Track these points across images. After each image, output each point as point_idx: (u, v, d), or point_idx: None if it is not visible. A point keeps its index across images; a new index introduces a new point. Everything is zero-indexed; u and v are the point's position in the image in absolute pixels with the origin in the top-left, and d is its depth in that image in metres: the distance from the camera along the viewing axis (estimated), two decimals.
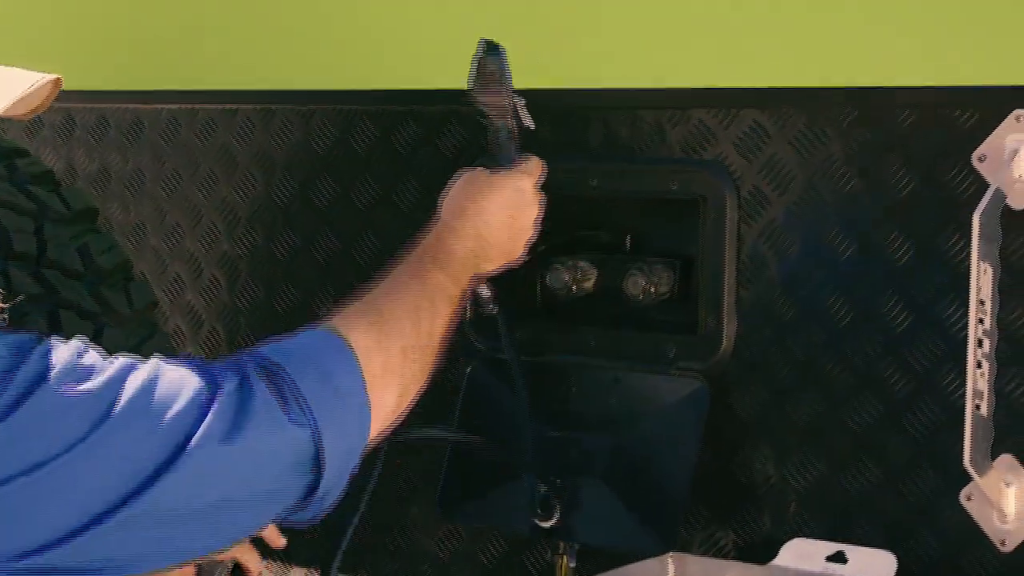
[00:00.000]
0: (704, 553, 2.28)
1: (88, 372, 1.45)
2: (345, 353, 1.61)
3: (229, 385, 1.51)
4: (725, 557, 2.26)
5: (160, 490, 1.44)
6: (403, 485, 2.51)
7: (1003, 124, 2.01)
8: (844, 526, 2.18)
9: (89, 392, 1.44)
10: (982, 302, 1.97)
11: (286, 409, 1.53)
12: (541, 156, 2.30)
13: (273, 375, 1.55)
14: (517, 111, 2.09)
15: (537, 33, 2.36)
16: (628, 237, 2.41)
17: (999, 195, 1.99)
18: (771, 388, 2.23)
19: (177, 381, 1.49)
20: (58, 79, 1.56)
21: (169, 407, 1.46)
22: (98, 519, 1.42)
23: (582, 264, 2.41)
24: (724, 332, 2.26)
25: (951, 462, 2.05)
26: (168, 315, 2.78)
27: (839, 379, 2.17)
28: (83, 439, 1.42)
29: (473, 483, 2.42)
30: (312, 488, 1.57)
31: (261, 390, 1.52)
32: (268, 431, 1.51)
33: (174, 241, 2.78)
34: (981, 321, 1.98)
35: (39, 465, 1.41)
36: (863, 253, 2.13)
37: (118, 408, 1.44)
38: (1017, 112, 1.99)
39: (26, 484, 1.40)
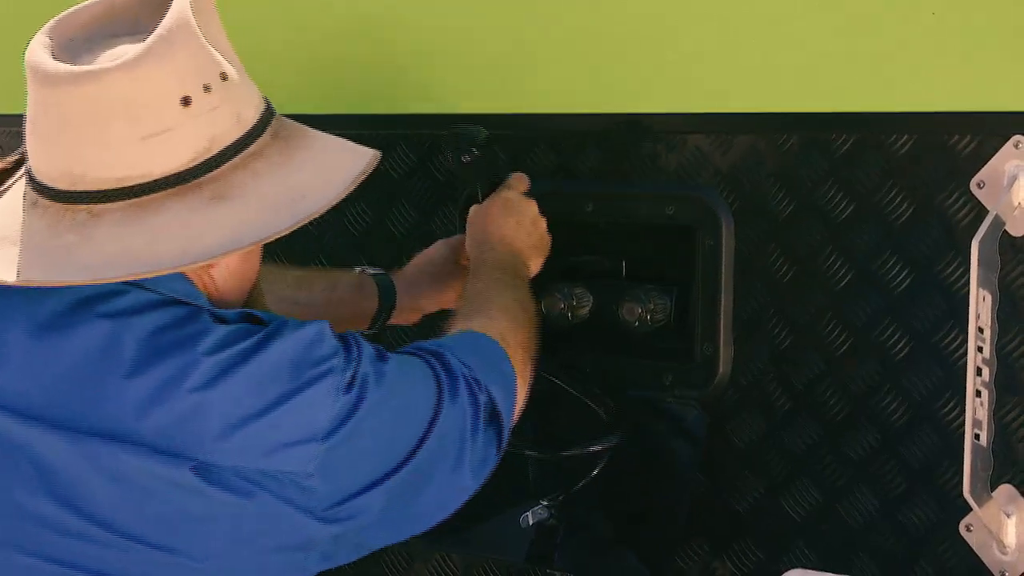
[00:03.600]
0: None
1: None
2: (497, 345, 1.99)
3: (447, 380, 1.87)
4: None
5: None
6: None
7: (1002, 150, 1.99)
8: (842, 557, 2.16)
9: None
10: (981, 330, 1.95)
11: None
12: (537, 181, 2.30)
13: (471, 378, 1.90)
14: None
15: (534, 59, 2.35)
16: (624, 263, 2.39)
17: (998, 222, 1.97)
18: (768, 416, 2.21)
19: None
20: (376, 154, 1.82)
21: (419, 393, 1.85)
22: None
23: (578, 291, 2.39)
24: (721, 359, 2.24)
25: (950, 492, 2.04)
26: None
27: (837, 407, 2.15)
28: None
29: (466, 510, 2.39)
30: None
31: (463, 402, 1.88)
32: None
33: None
34: (980, 349, 1.95)
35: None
36: (861, 280, 2.12)
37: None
38: (1016, 138, 1.98)
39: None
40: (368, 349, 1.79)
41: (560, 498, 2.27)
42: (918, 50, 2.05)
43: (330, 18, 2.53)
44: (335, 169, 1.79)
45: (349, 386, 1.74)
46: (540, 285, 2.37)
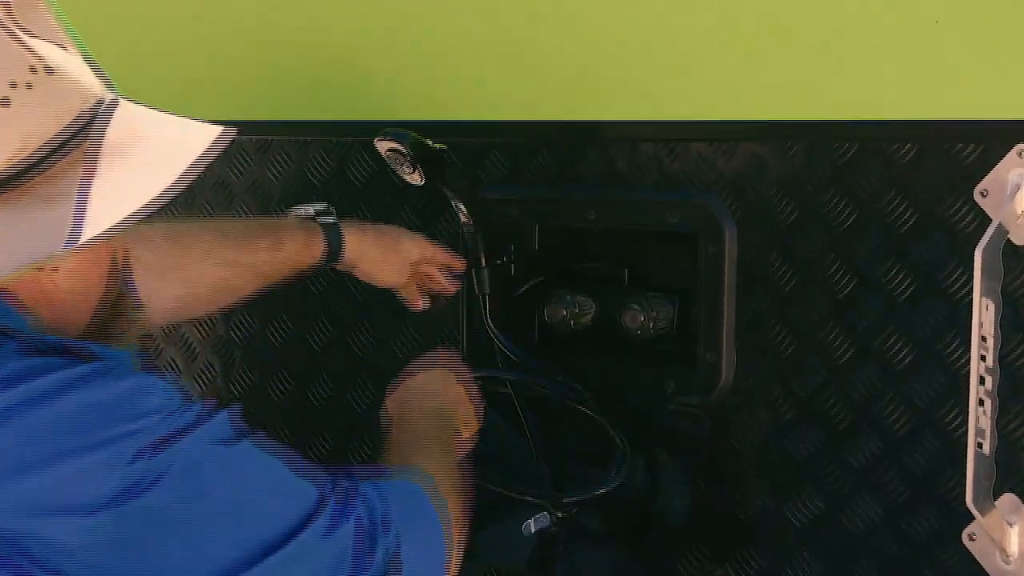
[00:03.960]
0: None
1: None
2: (432, 513, 1.78)
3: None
4: None
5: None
6: None
7: (1005, 159, 1.99)
8: (845, 565, 2.15)
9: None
10: (984, 339, 1.95)
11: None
12: (540, 188, 2.29)
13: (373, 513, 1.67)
14: None
15: (535, 65, 2.34)
16: (626, 270, 2.39)
17: (1001, 230, 1.97)
18: (770, 424, 2.20)
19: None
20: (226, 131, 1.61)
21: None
22: None
23: (580, 298, 2.39)
24: (723, 367, 2.23)
25: (953, 500, 2.03)
26: (162, 347, 2.76)
27: (839, 415, 2.14)
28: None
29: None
30: None
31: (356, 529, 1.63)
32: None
33: None
34: (983, 358, 1.95)
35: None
36: (863, 288, 2.11)
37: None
38: (1019, 147, 1.97)
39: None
40: (220, 427, 1.55)
41: (574, 511, 2.25)
42: (921, 58, 2.05)
43: (336, 22, 2.53)
44: (179, 155, 1.57)
45: (153, 450, 1.48)
46: (544, 292, 2.37)
